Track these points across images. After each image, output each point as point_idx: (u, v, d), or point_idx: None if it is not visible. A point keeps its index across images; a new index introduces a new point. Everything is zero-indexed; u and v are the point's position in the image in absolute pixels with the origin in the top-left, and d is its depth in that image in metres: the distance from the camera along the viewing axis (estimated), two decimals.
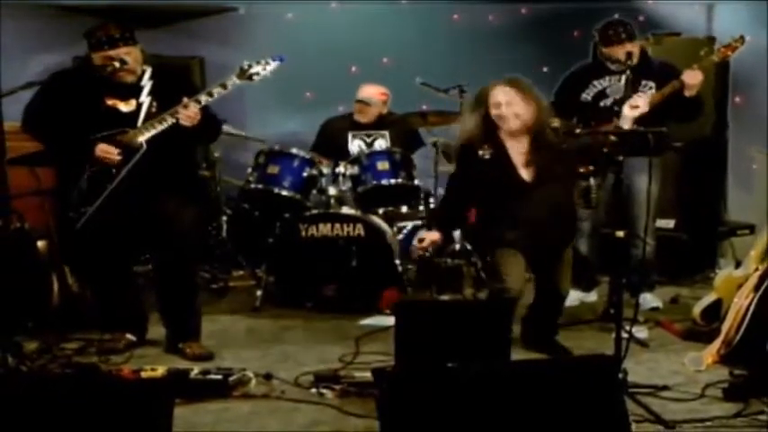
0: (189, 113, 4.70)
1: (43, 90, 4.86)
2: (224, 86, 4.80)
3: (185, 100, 4.72)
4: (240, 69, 4.87)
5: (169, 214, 4.88)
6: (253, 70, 4.87)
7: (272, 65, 4.89)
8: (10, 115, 6.25)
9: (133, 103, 4.82)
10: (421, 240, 4.94)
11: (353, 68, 7.53)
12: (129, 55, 4.76)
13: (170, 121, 4.72)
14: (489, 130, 4.81)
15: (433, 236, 4.92)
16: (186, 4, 7.76)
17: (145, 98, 4.81)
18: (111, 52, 4.72)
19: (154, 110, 4.78)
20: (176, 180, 4.94)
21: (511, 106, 4.72)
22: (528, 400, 3.17)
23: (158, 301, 5.11)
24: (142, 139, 4.74)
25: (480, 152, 4.79)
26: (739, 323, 4.62)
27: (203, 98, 4.75)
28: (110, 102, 4.81)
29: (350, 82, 7.07)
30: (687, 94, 5.36)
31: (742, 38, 5.36)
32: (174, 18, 7.77)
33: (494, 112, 4.75)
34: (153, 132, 4.73)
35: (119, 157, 4.74)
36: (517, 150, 4.81)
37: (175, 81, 4.98)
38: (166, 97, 4.80)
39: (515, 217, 4.75)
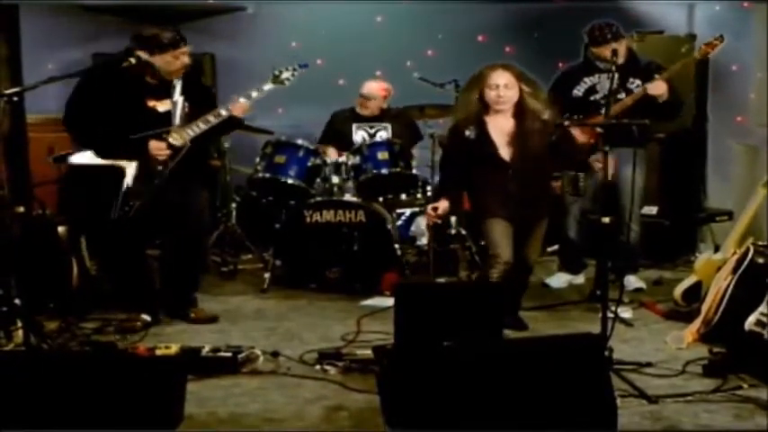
0: (244, 107, 5.01)
1: (86, 89, 4.94)
2: (261, 90, 5.10)
3: (236, 99, 4.99)
4: (273, 75, 5.14)
5: (186, 198, 5.04)
6: (284, 76, 5.15)
7: (299, 71, 5.19)
8: (32, 108, 6.29)
9: (168, 102, 4.95)
10: (435, 209, 4.93)
11: (355, 65, 7.51)
12: (187, 54, 4.95)
13: (213, 121, 4.92)
14: (477, 110, 4.83)
15: (443, 204, 4.93)
16: (197, 3, 7.74)
17: (178, 97, 4.95)
18: (178, 51, 4.87)
19: (187, 109, 4.95)
20: (196, 169, 5.09)
21: (508, 88, 4.74)
22: (519, 376, 3.17)
23: (170, 274, 5.22)
24: (187, 137, 4.89)
25: (467, 132, 4.82)
26: (718, 304, 4.61)
27: (254, 93, 5.04)
28: (150, 103, 4.93)
29: (352, 77, 7.07)
30: (659, 100, 5.39)
31: (721, 37, 5.36)
32: (187, 16, 7.74)
33: (491, 93, 4.75)
34: (198, 132, 4.92)
35: (169, 152, 4.88)
36: (500, 131, 4.82)
37: (197, 80, 5.15)
38: (194, 96, 4.99)
39: (497, 191, 4.80)
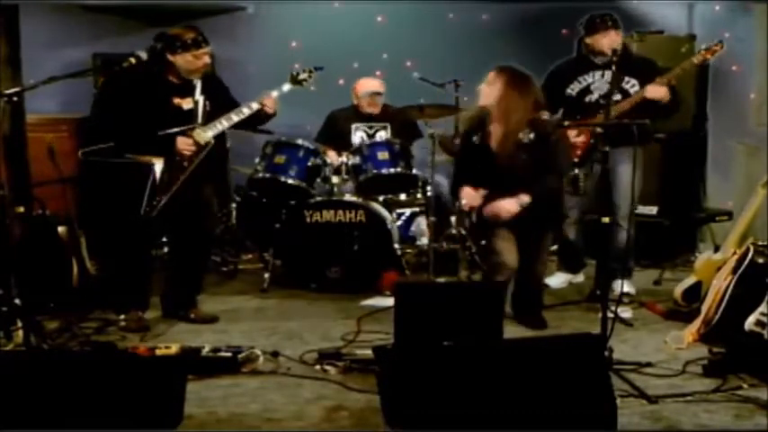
0: (274, 102, 5.21)
1: (114, 88, 5.06)
2: (281, 90, 5.30)
3: (266, 95, 5.20)
4: (291, 76, 5.38)
5: (201, 200, 5.15)
6: (301, 76, 5.39)
7: (315, 73, 5.45)
8: (31, 108, 6.29)
9: (190, 101, 5.05)
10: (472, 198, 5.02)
11: (355, 64, 7.51)
12: (207, 55, 5.06)
13: (235, 119, 5.09)
14: (480, 120, 5.03)
15: (473, 192, 5.02)
16: (197, 3, 7.74)
17: (199, 96, 5.05)
18: (200, 52, 4.98)
19: (208, 108, 5.06)
20: (215, 169, 5.25)
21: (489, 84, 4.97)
22: (519, 376, 3.18)
23: (178, 274, 5.26)
24: (211, 134, 5.02)
25: (474, 138, 5.06)
26: (718, 303, 4.62)
27: (274, 93, 5.24)
28: (176, 101, 5.02)
29: (352, 77, 7.07)
30: (660, 103, 5.37)
31: (721, 43, 5.34)
32: (187, 16, 7.73)
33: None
34: (220, 129, 5.06)
35: (195, 148, 4.97)
36: (496, 139, 4.96)
37: (216, 79, 5.28)
38: (213, 94, 5.12)
39: (496, 196, 4.92)
